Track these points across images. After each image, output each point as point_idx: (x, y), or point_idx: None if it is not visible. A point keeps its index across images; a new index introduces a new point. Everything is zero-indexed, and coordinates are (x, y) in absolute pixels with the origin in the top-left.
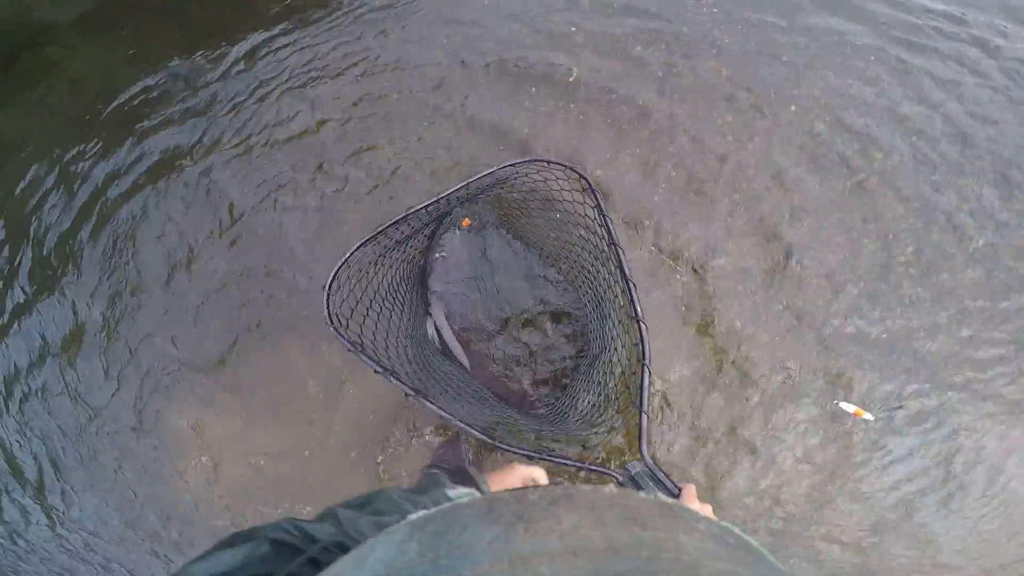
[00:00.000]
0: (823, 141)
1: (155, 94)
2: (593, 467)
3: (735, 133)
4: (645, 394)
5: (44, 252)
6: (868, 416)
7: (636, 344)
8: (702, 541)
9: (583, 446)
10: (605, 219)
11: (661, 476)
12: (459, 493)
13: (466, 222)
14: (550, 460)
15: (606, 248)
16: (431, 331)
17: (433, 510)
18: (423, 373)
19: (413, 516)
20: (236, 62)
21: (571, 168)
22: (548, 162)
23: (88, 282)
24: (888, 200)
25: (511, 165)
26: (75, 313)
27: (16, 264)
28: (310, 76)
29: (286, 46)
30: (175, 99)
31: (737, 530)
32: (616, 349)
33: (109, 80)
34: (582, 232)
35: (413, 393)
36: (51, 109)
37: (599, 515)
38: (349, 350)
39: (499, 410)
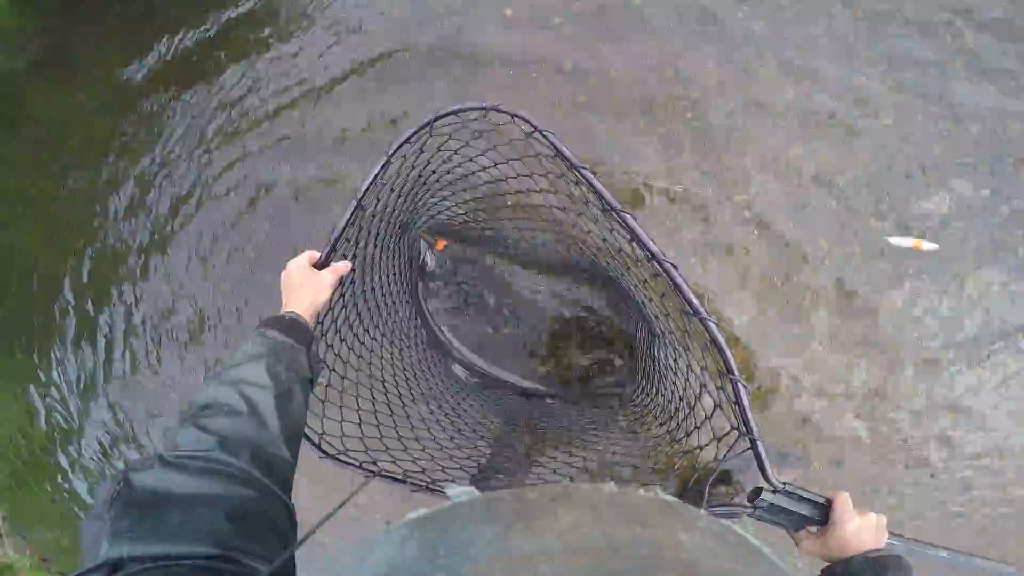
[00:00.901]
0: None
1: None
2: (715, 507)
3: None
4: (748, 414)
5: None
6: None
7: (705, 347)
8: (702, 539)
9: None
10: (580, 172)
11: (804, 494)
12: (458, 492)
13: (440, 244)
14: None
15: (601, 216)
16: (460, 372)
17: (433, 509)
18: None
19: (413, 515)
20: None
21: (493, 109)
22: (456, 112)
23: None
24: None
25: (405, 143)
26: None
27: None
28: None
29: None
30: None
31: (738, 528)
32: (680, 354)
33: (74, 117)
34: (563, 201)
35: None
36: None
37: (599, 513)
38: (414, 491)
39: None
